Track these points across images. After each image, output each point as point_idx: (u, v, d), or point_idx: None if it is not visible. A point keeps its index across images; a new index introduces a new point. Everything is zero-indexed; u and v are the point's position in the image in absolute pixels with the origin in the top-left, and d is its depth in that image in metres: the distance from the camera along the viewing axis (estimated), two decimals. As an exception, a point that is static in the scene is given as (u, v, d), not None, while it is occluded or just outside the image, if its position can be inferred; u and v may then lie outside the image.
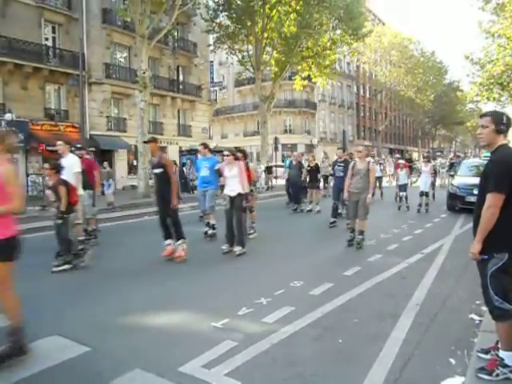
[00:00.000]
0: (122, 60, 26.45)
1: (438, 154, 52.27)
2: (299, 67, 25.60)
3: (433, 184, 15.02)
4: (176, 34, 28.54)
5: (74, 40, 21.37)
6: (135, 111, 21.71)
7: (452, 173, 18.23)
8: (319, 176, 13.21)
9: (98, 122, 24.44)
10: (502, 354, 2.97)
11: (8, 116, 16.96)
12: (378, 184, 17.98)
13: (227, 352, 3.48)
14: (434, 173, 15.73)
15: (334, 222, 10.23)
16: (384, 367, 3.22)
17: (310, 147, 42.96)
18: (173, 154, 25.09)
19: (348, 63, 51.62)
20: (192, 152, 23.17)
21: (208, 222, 8.79)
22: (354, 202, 7.83)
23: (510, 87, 23.44)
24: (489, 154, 3.12)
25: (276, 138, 27.15)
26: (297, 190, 14.00)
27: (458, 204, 12.25)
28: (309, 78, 26.99)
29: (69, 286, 5.51)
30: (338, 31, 24.86)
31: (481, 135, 3.05)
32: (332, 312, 4.44)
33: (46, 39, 22.47)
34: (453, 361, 3.35)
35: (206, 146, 9.14)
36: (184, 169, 21.06)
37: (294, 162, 14.23)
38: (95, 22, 24.01)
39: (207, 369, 3.21)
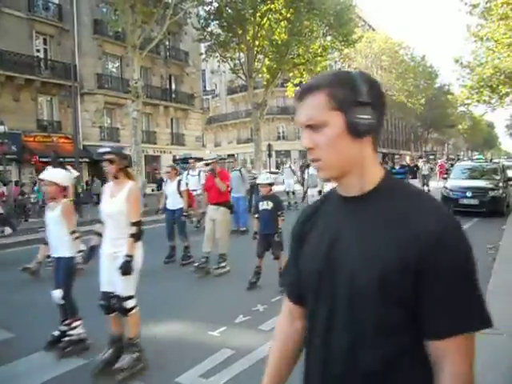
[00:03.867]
0: (114, 70, 26.48)
1: (431, 157, 52.60)
2: (291, 74, 25.72)
3: None
4: (167, 43, 28.64)
5: (66, 51, 21.40)
6: (128, 121, 21.69)
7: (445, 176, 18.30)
8: None
9: (91, 132, 24.41)
10: None
11: (0, 128, 16.87)
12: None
13: (225, 361, 3.47)
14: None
15: None
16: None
17: (304, 153, 43.14)
18: (166, 163, 25.05)
19: (339, 69, 51.97)
20: (185, 161, 23.16)
21: None
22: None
23: (500, 89, 23.68)
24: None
25: (269, 145, 27.17)
26: None
27: (451, 206, 12.33)
28: (301, 84, 27.16)
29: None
30: (329, 38, 25.06)
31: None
32: (329, 318, 4.42)
33: (38, 51, 22.49)
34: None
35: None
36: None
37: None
38: (86, 33, 24.06)
39: (205, 378, 3.19)
